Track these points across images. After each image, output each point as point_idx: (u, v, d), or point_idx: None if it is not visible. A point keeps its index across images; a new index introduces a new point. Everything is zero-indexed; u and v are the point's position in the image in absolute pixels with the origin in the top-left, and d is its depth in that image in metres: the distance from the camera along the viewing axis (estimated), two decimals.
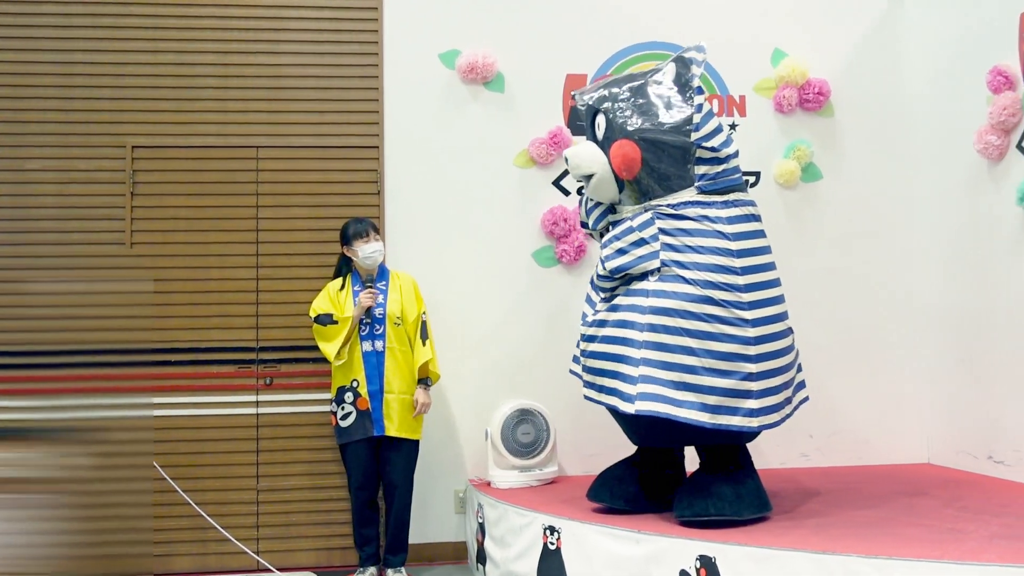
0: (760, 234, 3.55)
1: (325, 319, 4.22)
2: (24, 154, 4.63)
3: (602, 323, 3.61)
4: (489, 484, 4.45)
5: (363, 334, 4.22)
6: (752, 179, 4.96)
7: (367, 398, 4.17)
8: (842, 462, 4.89)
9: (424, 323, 4.33)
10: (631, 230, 3.53)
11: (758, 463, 3.75)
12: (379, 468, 4.27)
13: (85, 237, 4.62)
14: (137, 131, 4.69)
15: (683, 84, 3.58)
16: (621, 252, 3.54)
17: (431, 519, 4.69)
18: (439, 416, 4.71)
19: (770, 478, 4.02)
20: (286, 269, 4.70)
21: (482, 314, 4.79)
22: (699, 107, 3.52)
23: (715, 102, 4.98)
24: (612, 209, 3.78)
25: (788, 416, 3.56)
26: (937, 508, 3.60)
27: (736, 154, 3.60)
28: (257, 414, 4.63)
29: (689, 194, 3.51)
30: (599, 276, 3.66)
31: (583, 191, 3.85)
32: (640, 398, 3.35)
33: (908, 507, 3.64)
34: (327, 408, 4.52)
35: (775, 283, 3.51)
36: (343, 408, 4.20)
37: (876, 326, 4.98)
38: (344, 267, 4.37)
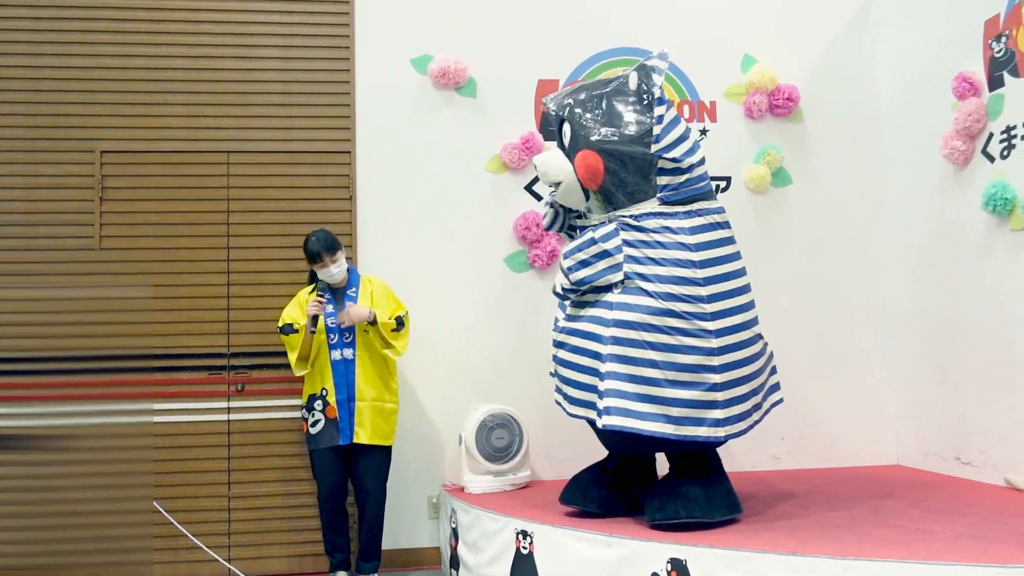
0: (726, 242, 3.55)
1: (287, 329, 4.21)
2: None
3: (571, 331, 3.63)
4: (463, 489, 4.44)
5: (332, 342, 4.20)
6: (722, 184, 5.00)
7: (335, 406, 4.16)
8: (813, 464, 4.94)
9: (400, 318, 4.27)
10: (593, 241, 3.54)
11: (729, 466, 3.77)
12: (351, 475, 4.26)
13: (53, 243, 4.57)
14: (106, 136, 4.65)
15: (644, 94, 3.57)
16: (584, 264, 3.55)
17: (405, 524, 4.68)
18: (412, 421, 4.70)
19: (742, 480, 4.06)
20: (258, 275, 4.67)
21: (455, 319, 4.79)
22: (659, 118, 3.50)
23: (686, 108, 5.02)
24: (568, 213, 3.87)
25: (758, 422, 3.60)
26: (905, 509, 3.64)
27: (701, 162, 3.59)
28: (229, 420, 4.59)
29: (651, 205, 3.51)
30: (562, 288, 3.65)
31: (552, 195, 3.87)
32: (606, 412, 3.38)
33: (877, 508, 3.68)
34: (299, 414, 4.51)
35: (742, 290, 3.52)
36: (313, 415, 4.20)
37: (846, 330, 5.03)
38: (313, 278, 4.34)
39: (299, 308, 4.24)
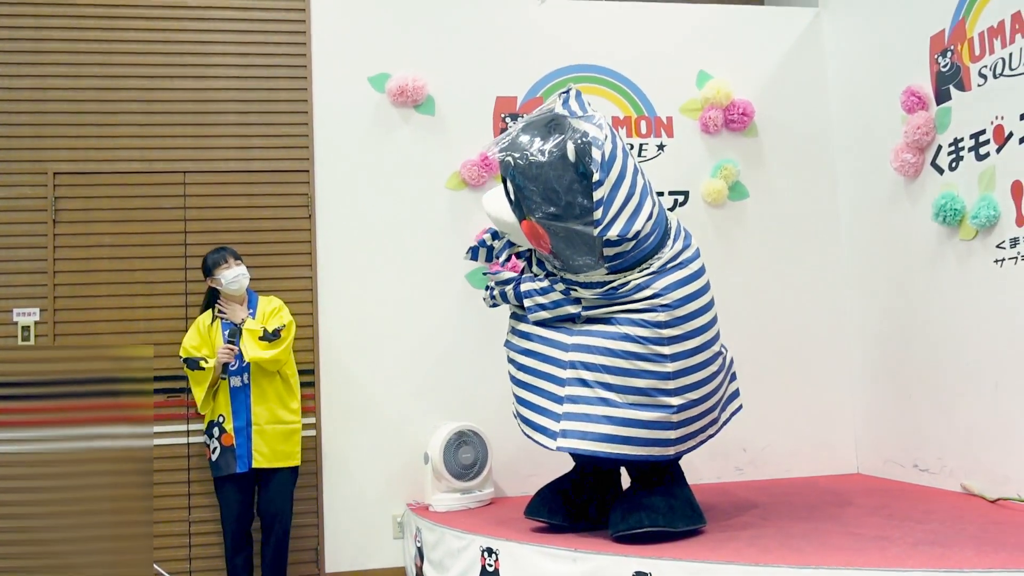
0: (685, 269, 3.47)
1: (192, 363, 4.18)
2: None
3: (527, 352, 3.63)
4: (427, 507, 4.42)
5: (232, 369, 4.19)
6: (680, 198, 5.05)
7: (232, 434, 4.16)
8: (775, 475, 4.98)
9: (278, 331, 4.19)
10: (550, 290, 3.58)
11: (692, 477, 3.80)
12: (257, 498, 4.26)
13: (4, 267, 4.48)
14: (59, 157, 4.59)
15: (580, 169, 3.30)
16: (542, 307, 3.60)
17: (369, 544, 4.64)
18: (374, 440, 4.67)
19: (705, 492, 4.09)
20: None
21: (415, 336, 4.78)
22: (599, 203, 3.28)
23: (643, 123, 5.07)
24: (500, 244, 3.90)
25: (713, 435, 3.63)
26: (864, 516, 3.69)
27: (649, 216, 3.40)
28: (188, 444, 4.53)
29: (599, 275, 3.47)
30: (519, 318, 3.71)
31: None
32: (563, 435, 3.41)
33: (837, 516, 3.72)
34: None
35: (704, 310, 3.49)
36: (212, 442, 4.20)
37: (803, 341, 5.10)
38: (212, 299, 4.33)
39: (199, 335, 4.24)
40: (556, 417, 3.45)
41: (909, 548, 3.03)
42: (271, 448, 4.18)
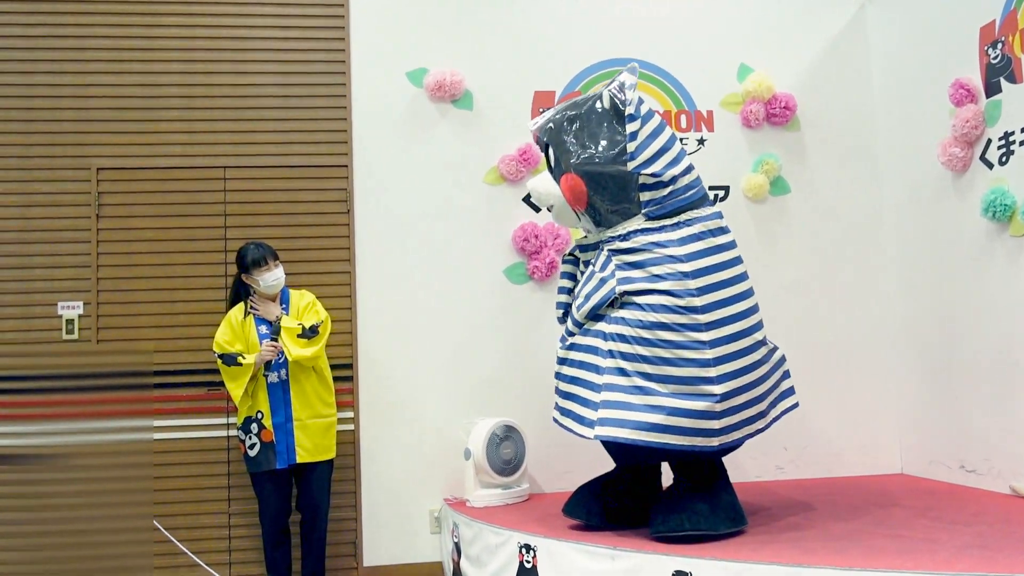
0: (720, 249, 3.49)
1: (230, 360, 4.15)
2: None
3: (573, 346, 3.63)
4: (465, 503, 4.41)
5: (269, 364, 4.18)
6: (721, 193, 4.99)
7: (271, 430, 4.14)
8: (816, 474, 4.91)
9: (315, 326, 4.21)
10: (594, 276, 3.55)
11: (733, 476, 3.74)
12: (298, 491, 4.26)
13: (49, 260, 4.55)
14: (102, 152, 4.64)
15: (617, 112, 3.52)
16: (587, 297, 3.58)
17: (406, 539, 4.64)
18: (411, 435, 4.68)
19: (746, 491, 4.03)
20: None
21: (453, 332, 4.77)
22: (632, 135, 3.46)
23: (683, 117, 5.01)
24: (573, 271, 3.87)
25: (762, 430, 3.56)
26: (910, 519, 3.62)
27: (687, 171, 3.54)
28: (228, 436, 4.57)
29: (637, 222, 3.50)
30: (573, 320, 3.67)
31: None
32: (600, 423, 3.38)
33: (881, 518, 3.65)
34: None
35: (740, 297, 3.48)
36: (249, 438, 4.17)
37: (847, 339, 5.01)
38: (242, 293, 4.30)
39: (231, 331, 4.21)
40: (594, 406, 3.43)
41: (957, 551, 2.96)
42: (313, 442, 4.19)
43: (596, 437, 3.39)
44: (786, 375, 3.73)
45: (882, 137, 5.08)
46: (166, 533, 4.35)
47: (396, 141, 4.83)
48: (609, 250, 3.53)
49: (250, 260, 4.20)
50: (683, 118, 5.02)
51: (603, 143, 3.51)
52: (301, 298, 4.36)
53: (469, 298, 4.80)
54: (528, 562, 3.60)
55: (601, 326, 3.50)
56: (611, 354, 3.42)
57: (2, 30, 4.64)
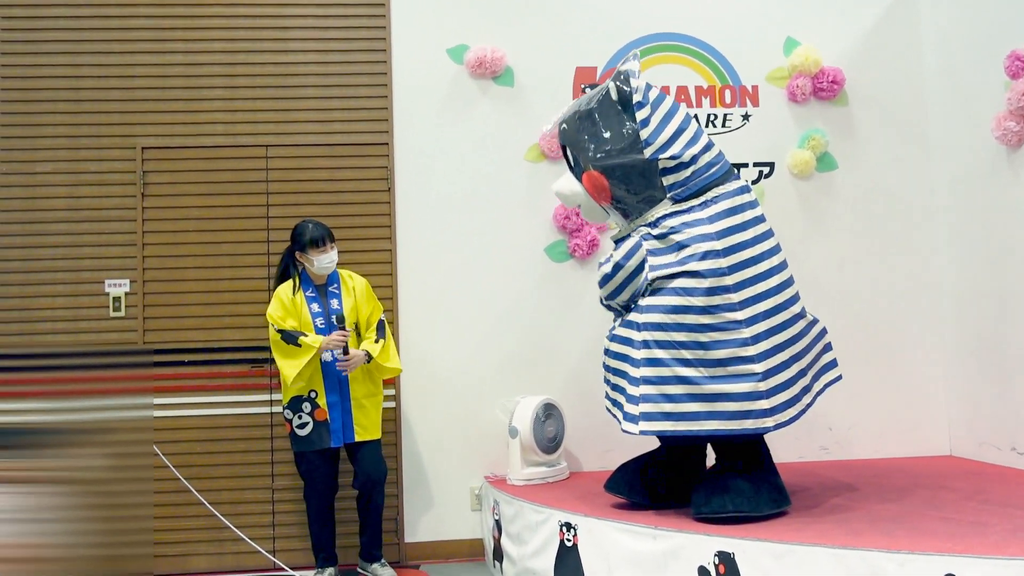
0: (749, 224, 3.44)
1: (290, 337, 4.07)
2: (34, 157, 4.64)
3: (612, 338, 3.61)
4: (505, 480, 4.42)
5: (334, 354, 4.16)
6: (766, 170, 4.90)
7: (326, 409, 4.12)
8: (862, 455, 4.84)
9: (382, 322, 4.26)
10: (619, 267, 3.52)
11: (777, 457, 3.70)
12: (356, 468, 4.22)
13: (96, 239, 4.62)
14: (146, 132, 4.69)
15: (625, 101, 3.50)
16: (606, 279, 3.57)
17: (448, 516, 4.67)
18: (453, 413, 4.69)
19: (789, 472, 3.98)
20: None
21: (493, 310, 4.76)
22: (643, 122, 3.45)
23: (727, 92, 4.93)
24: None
25: (810, 405, 3.50)
26: (959, 501, 3.55)
27: (707, 148, 3.51)
28: (271, 413, 4.61)
29: (665, 206, 3.49)
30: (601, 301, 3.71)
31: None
32: (643, 418, 3.34)
33: (930, 500, 3.58)
34: None
35: (773, 271, 3.42)
36: (300, 417, 4.12)
37: (894, 316, 4.92)
38: (291, 268, 4.24)
39: (285, 310, 4.16)
40: (635, 400, 3.39)
41: (1007, 535, 2.90)
42: (370, 420, 4.19)
43: (641, 433, 3.36)
44: (827, 348, 3.66)
45: (933, 111, 4.95)
46: (210, 507, 4.41)
47: (437, 118, 4.81)
48: (641, 237, 3.50)
49: (308, 239, 4.14)
50: (727, 93, 4.93)
51: (616, 135, 3.51)
52: (352, 280, 4.32)
53: (509, 276, 4.79)
54: (569, 540, 3.60)
55: (634, 316, 3.47)
56: (646, 344, 3.38)
57: (50, 12, 4.69)
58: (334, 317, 4.17)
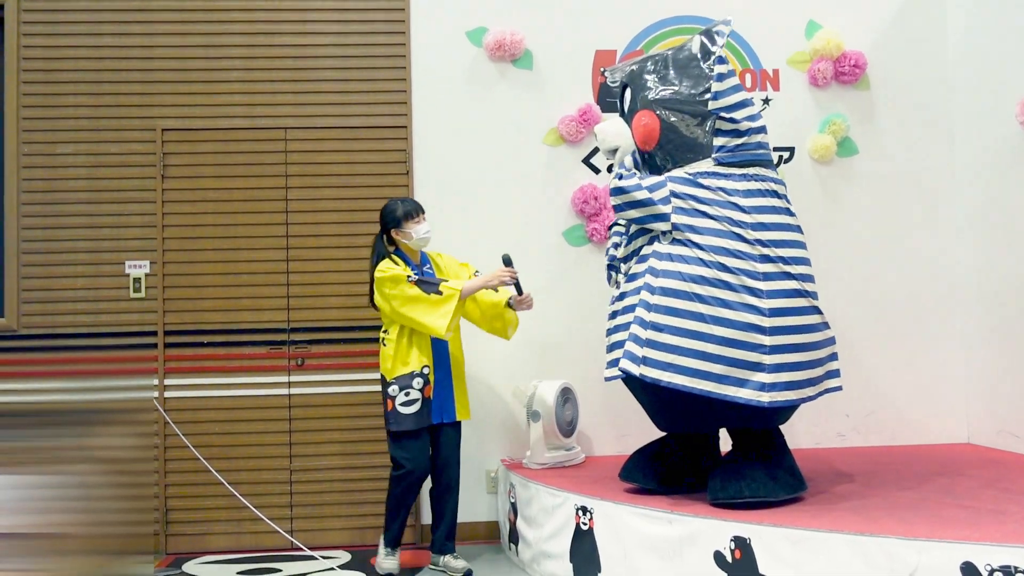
0: (781, 211, 3.45)
1: (430, 285, 3.87)
2: (55, 138, 4.66)
3: (622, 296, 3.61)
4: (520, 464, 4.43)
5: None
6: (786, 155, 4.87)
7: (433, 385, 4.00)
8: (879, 442, 4.82)
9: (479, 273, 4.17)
10: (639, 187, 3.46)
11: (793, 443, 3.70)
12: (435, 451, 4.10)
13: (116, 220, 4.65)
14: (167, 114, 4.71)
15: (706, 54, 3.55)
16: (620, 191, 3.49)
17: (463, 498, 4.65)
18: (469, 396, 4.69)
19: (805, 459, 3.98)
20: (316, 250, 4.70)
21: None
22: (719, 76, 3.46)
23: (748, 76, 4.89)
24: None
25: (811, 398, 3.44)
26: (977, 489, 3.53)
27: (760, 130, 3.52)
28: (289, 395, 4.65)
29: (706, 164, 3.48)
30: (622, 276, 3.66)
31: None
32: (645, 362, 3.32)
33: (948, 488, 3.57)
34: (359, 388, 4.58)
35: (797, 260, 3.41)
36: (408, 395, 3.93)
37: (914, 302, 4.89)
38: (384, 251, 4.07)
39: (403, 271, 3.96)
40: (641, 343, 3.36)
41: None
42: (466, 399, 4.14)
43: (641, 376, 3.33)
44: (835, 356, 3.59)
45: (957, 96, 4.89)
46: (229, 487, 4.45)
47: (456, 101, 4.80)
48: (670, 178, 3.47)
49: (402, 213, 4.01)
50: (748, 77, 4.90)
51: (688, 81, 3.55)
52: (441, 258, 4.24)
53: (526, 260, 4.76)
54: (585, 524, 3.61)
55: (651, 263, 3.44)
56: (664, 291, 3.35)
57: None
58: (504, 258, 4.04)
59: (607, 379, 3.62)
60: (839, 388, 3.60)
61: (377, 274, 3.97)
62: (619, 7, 4.86)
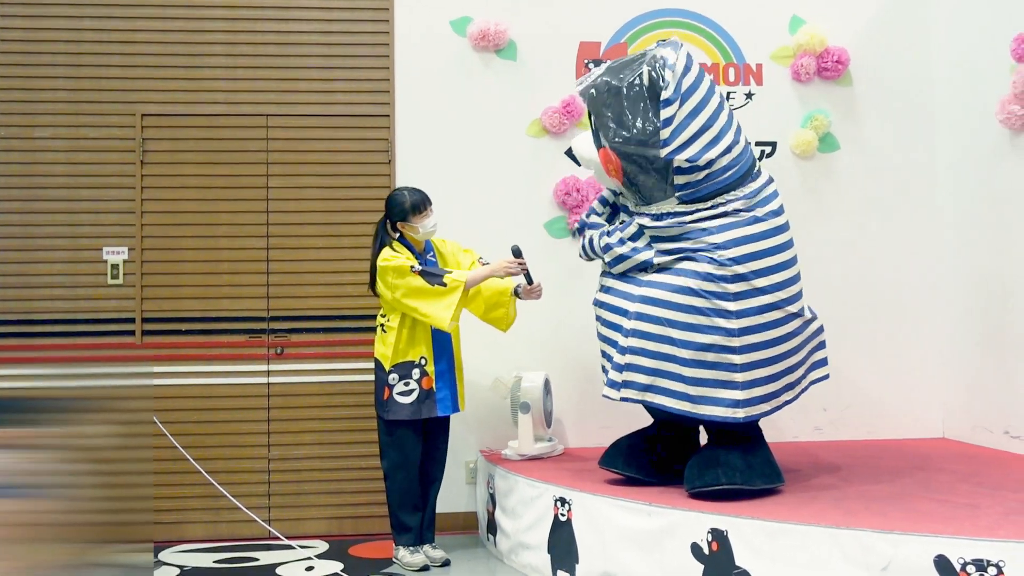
0: (758, 220, 3.43)
1: (433, 276, 3.81)
2: (33, 122, 4.61)
3: (602, 304, 3.69)
4: (499, 455, 4.43)
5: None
6: (768, 149, 4.89)
7: (433, 377, 3.95)
8: (856, 436, 4.85)
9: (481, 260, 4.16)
10: (625, 240, 3.61)
11: (770, 436, 3.72)
12: (427, 444, 4.08)
13: (95, 206, 4.60)
14: (147, 99, 4.66)
15: (655, 93, 3.41)
16: (621, 259, 3.64)
17: (443, 489, 4.66)
18: None
19: (784, 452, 4.00)
20: (297, 239, 4.67)
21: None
22: (665, 121, 3.37)
23: (731, 70, 4.90)
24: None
25: (789, 402, 3.56)
26: (952, 483, 3.57)
27: (727, 150, 3.44)
28: (268, 383, 4.62)
29: (670, 205, 3.49)
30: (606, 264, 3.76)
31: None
32: (625, 386, 3.46)
33: (923, 482, 3.61)
34: (338, 378, 4.56)
35: (778, 268, 3.43)
36: (406, 384, 3.90)
37: (892, 298, 4.92)
38: (386, 238, 4.00)
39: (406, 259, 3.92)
40: (619, 368, 3.48)
41: (1000, 517, 2.92)
42: (463, 391, 4.13)
43: (622, 399, 3.48)
44: (821, 345, 3.68)
45: (938, 93, 4.92)
46: (207, 476, 4.43)
47: (439, 91, 4.78)
48: (640, 224, 3.55)
49: (410, 205, 3.93)
50: (731, 71, 4.90)
51: (638, 125, 3.46)
52: (444, 244, 4.20)
53: (507, 251, 4.76)
54: (563, 515, 3.62)
55: (628, 287, 3.55)
56: (639, 316, 3.44)
57: None
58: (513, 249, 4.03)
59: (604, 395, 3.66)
60: (826, 377, 3.69)
61: (380, 263, 3.92)
62: None
